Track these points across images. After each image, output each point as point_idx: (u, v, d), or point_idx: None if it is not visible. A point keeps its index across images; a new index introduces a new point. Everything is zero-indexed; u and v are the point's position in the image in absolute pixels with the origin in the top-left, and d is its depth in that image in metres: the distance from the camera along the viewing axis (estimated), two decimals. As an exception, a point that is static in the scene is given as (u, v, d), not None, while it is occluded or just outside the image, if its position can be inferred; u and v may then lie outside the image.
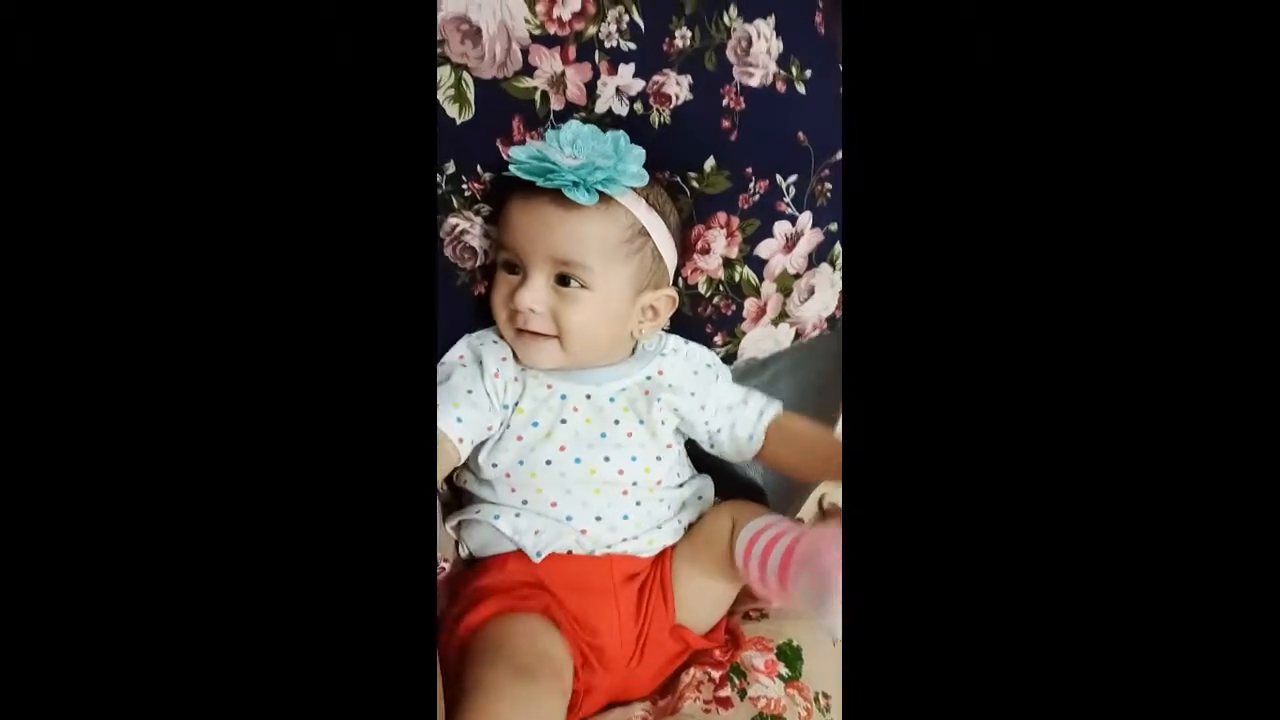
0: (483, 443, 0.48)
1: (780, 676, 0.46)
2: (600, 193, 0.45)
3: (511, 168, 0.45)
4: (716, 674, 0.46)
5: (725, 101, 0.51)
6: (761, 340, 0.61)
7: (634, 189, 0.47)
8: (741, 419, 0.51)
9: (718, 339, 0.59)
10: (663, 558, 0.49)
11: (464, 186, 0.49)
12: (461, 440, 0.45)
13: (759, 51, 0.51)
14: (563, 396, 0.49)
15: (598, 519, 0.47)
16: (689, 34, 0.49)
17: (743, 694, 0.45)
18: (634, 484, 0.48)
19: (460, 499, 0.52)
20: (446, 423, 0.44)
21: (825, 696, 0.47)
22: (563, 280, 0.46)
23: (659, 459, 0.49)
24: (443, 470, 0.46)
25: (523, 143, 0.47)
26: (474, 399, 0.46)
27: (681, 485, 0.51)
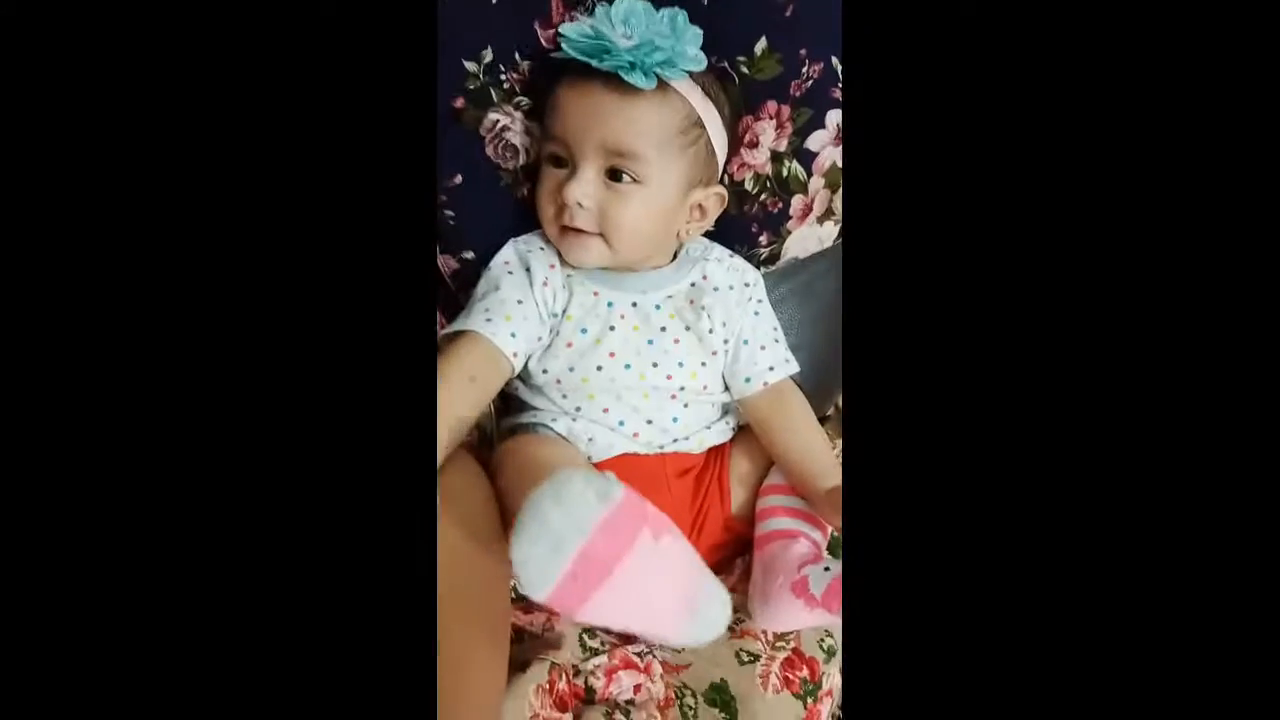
0: (535, 352, 0.48)
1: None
2: (657, 78, 0.42)
3: (564, 46, 0.42)
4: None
5: (783, -30, 0.46)
6: (806, 239, 0.60)
7: (690, 75, 0.44)
8: (749, 358, 0.50)
9: (763, 239, 0.58)
10: (720, 454, 0.51)
11: (502, 78, 0.46)
12: (516, 354, 0.45)
13: (821, -93, 0.45)
14: (609, 304, 0.49)
15: (649, 422, 0.49)
16: (745, -113, 0.43)
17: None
18: (681, 388, 0.49)
19: (509, 405, 0.54)
20: (501, 338, 0.44)
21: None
22: (614, 175, 0.44)
23: (704, 365, 0.50)
24: (497, 386, 0.46)
25: (565, 23, 0.43)
26: (525, 310, 0.46)
27: (727, 390, 0.52)
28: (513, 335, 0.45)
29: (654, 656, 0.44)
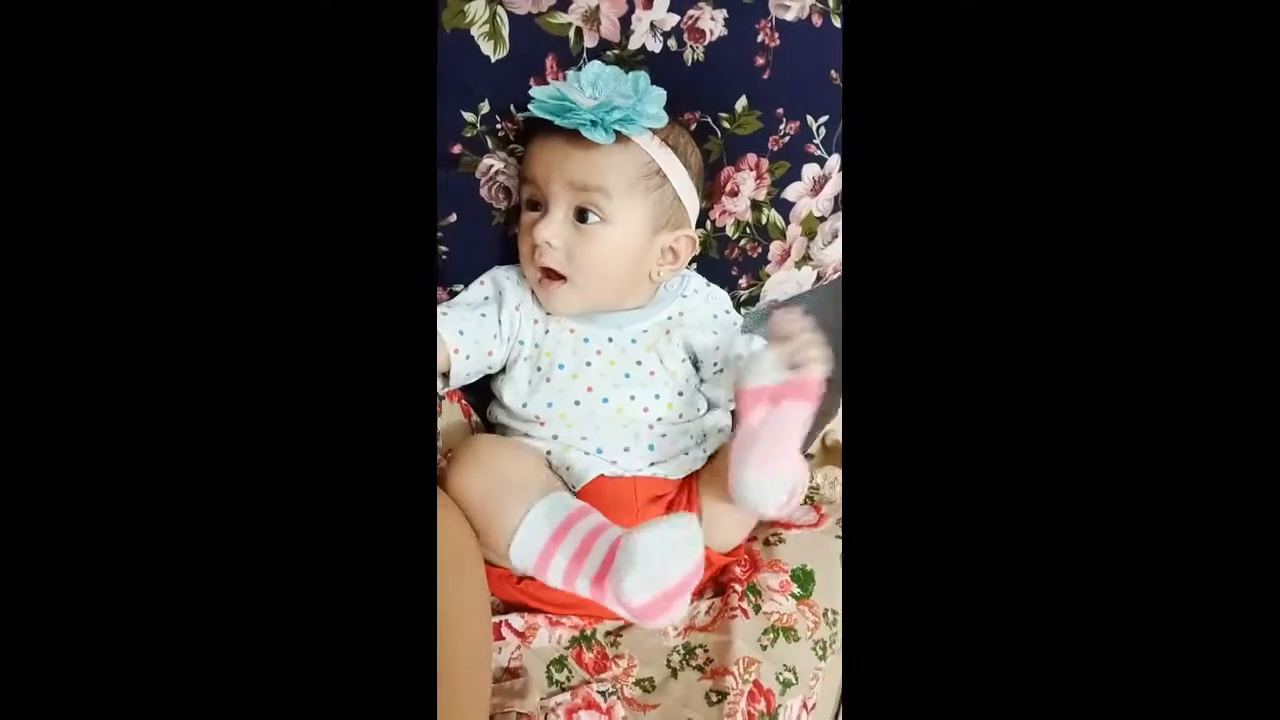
0: (513, 386, 0.50)
1: (793, 595, 0.51)
2: (617, 132, 0.45)
3: (531, 107, 0.45)
4: (739, 588, 0.51)
5: (760, 37, 0.50)
6: (784, 283, 0.63)
7: (654, 131, 0.47)
8: (760, 358, 0.51)
9: (742, 281, 0.61)
10: (690, 483, 0.52)
11: (498, 126, 0.49)
12: (458, 351, 0.47)
13: (797, -17, 0.49)
14: (585, 340, 0.51)
15: (626, 450, 0.50)
16: (726, -35, 0.47)
17: (757, 609, 0.49)
18: (659, 419, 0.51)
19: (494, 432, 0.55)
20: (448, 331, 0.47)
21: (833, 612, 0.51)
22: (581, 216, 0.47)
23: (680, 394, 0.52)
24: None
25: (550, 83, 0.47)
26: (485, 322, 0.49)
27: (703, 415, 0.53)
28: (460, 333, 0.48)
29: (617, 698, 0.44)
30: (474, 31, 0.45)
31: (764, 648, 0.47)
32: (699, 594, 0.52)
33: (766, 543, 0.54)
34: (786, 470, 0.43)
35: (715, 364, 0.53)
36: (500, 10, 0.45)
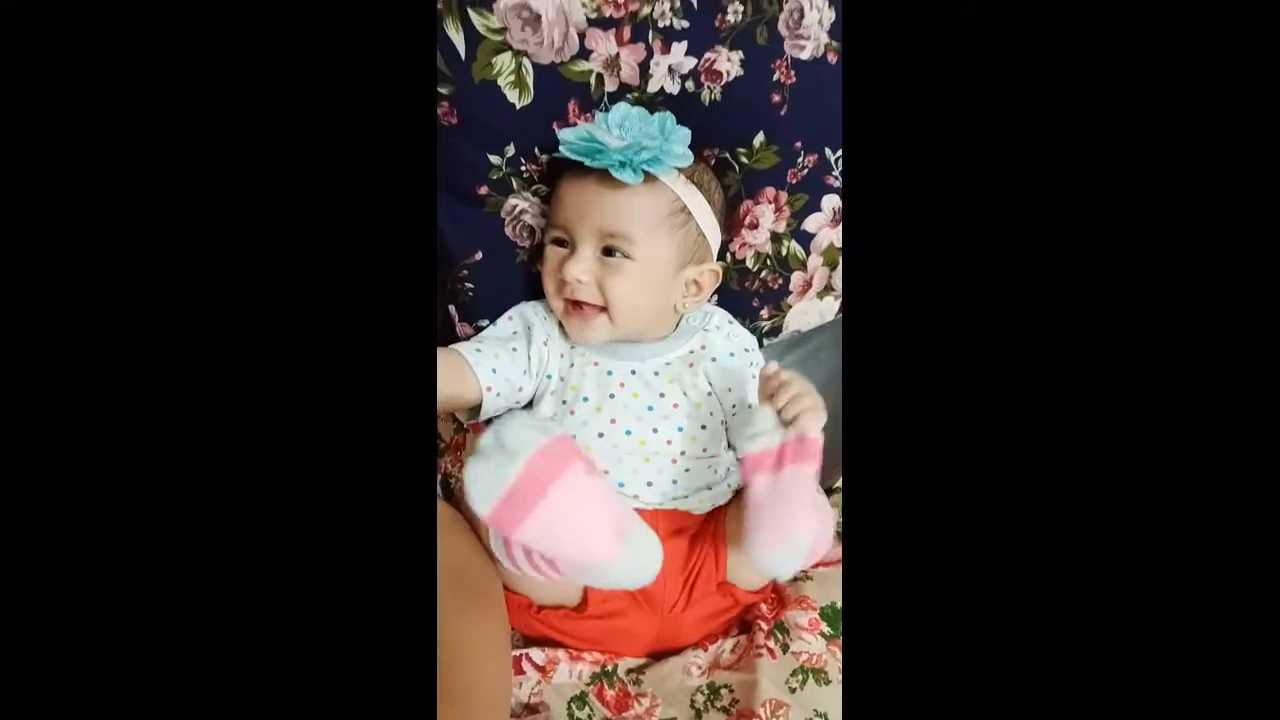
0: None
1: (823, 634, 0.49)
2: (645, 173, 0.47)
3: (562, 148, 0.47)
4: (765, 626, 0.49)
5: (776, 76, 0.51)
6: (806, 314, 0.62)
7: (679, 169, 0.49)
8: (758, 416, 0.50)
9: (764, 312, 0.61)
10: (717, 517, 0.51)
11: (522, 169, 0.51)
12: (490, 388, 0.48)
13: (811, 23, 0.51)
14: (609, 372, 0.51)
15: (649, 484, 0.50)
16: (740, 8, 0.49)
17: (785, 648, 0.48)
18: (682, 452, 0.51)
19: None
20: (482, 368, 0.48)
21: (866, 653, 0.49)
22: (608, 252, 0.49)
23: (704, 427, 0.52)
24: (459, 404, 0.48)
25: (576, 125, 0.49)
26: (515, 357, 0.50)
27: (728, 450, 0.53)
28: (493, 370, 0.48)
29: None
30: (500, 82, 0.47)
31: (792, 690, 0.45)
32: (724, 632, 0.51)
33: (793, 578, 0.53)
34: (800, 535, 0.41)
35: (733, 405, 0.52)
36: (525, 61, 0.47)
